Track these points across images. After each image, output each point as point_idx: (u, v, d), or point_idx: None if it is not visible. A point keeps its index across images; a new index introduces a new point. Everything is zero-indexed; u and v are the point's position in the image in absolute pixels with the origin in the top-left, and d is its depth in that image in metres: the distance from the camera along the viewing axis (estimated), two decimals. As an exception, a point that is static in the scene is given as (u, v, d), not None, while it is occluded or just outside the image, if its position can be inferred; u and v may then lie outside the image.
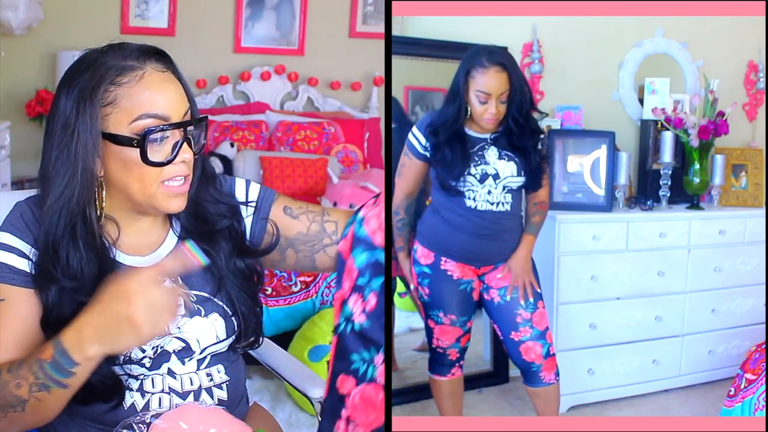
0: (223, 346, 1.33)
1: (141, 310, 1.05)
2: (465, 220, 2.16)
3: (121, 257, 1.26)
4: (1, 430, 1.13)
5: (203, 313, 1.29)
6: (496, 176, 2.15)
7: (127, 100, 1.16)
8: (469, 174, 2.13)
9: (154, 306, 1.07)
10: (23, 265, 1.20)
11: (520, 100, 2.10)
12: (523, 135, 2.14)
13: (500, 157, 2.15)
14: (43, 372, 1.09)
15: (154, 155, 1.17)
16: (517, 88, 2.08)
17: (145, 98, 1.17)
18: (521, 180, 2.17)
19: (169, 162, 1.18)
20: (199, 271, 1.28)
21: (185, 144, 1.20)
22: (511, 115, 2.11)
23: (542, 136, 2.22)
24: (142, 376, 1.25)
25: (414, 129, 2.20)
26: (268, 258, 1.37)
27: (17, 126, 4.05)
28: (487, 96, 2.06)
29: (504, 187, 2.15)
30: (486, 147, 2.16)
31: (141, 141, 1.15)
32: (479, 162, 2.14)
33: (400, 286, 3.21)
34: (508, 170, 2.15)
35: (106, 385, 1.20)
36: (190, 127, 1.22)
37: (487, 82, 2.05)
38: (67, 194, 1.17)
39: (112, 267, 1.23)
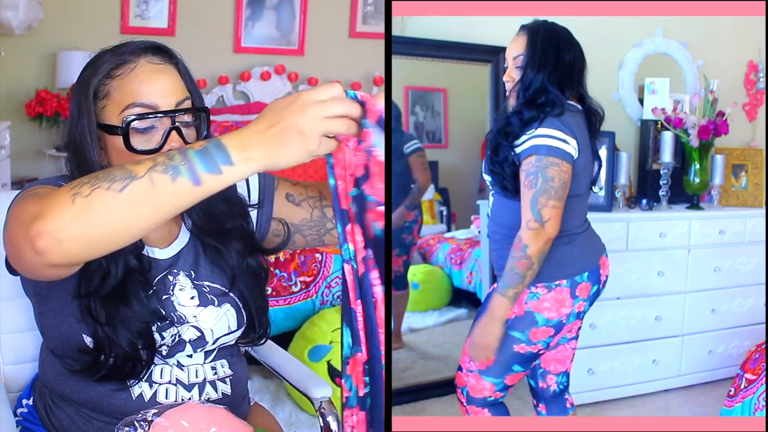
0: (232, 338, 1.35)
1: (313, 121, 0.96)
2: None
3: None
4: (72, 218, 0.94)
5: (216, 303, 1.31)
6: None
7: (118, 91, 1.20)
8: None
9: (327, 120, 0.97)
10: None
11: (537, 66, 1.78)
12: (520, 113, 1.76)
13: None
14: (183, 156, 0.96)
15: (140, 144, 1.19)
16: (536, 50, 1.79)
17: (134, 88, 1.20)
18: (486, 177, 1.88)
19: (156, 150, 1.19)
20: (211, 267, 1.32)
21: (174, 133, 1.21)
22: (521, 83, 1.80)
23: (536, 131, 1.72)
24: (153, 365, 1.27)
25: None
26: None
27: (17, 126, 4.05)
28: (506, 62, 1.89)
29: (490, 188, 1.91)
30: None
31: (124, 128, 1.18)
32: None
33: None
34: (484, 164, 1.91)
35: (137, 353, 1.22)
36: (184, 117, 1.23)
37: (509, 46, 1.89)
38: None
39: (140, 245, 1.26)
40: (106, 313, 1.19)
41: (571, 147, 1.72)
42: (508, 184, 1.76)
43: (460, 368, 1.94)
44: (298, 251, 3.00)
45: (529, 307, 1.78)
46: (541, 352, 1.85)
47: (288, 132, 0.96)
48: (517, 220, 1.76)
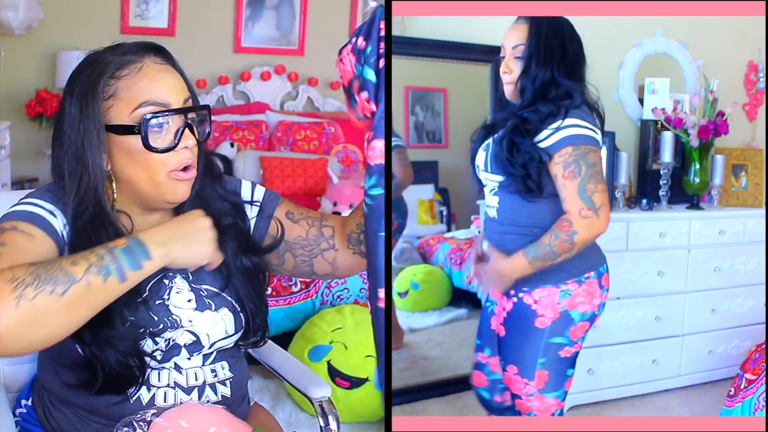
0: (230, 342, 1.34)
1: (210, 228, 1.21)
2: (484, 225, 1.92)
3: None
4: (16, 323, 0.98)
5: (213, 307, 1.31)
6: (479, 168, 1.84)
7: (126, 91, 1.19)
8: (474, 165, 1.87)
9: (211, 230, 1.22)
10: (54, 221, 1.20)
11: (544, 58, 1.71)
12: (535, 109, 1.69)
13: (483, 145, 1.82)
14: (111, 255, 1.06)
15: (156, 142, 1.19)
16: (538, 42, 1.71)
17: (144, 87, 1.19)
18: (494, 177, 1.78)
19: (172, 148, 1.20)
20: (208, 267, 1.30)
21: (187, 130, 1.22)
22: (526, 76, 1.72)
23: (558, 125, 1.66)
24: (149, 370, 1.26)
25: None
26: (268, 262, 1.39)
27: (17, 126, 4.05)
28: (503, 51, 1.78)
29: (491, 187, 1.82)
30: (498, 130, 1.81)
31: (142, 127, 1.18)
32: (479, 150, 1.84)
33: (400, 286, 3.22)
34: (480, 161, 1.82)
35: (129, 370, 1.21)
36: (192, 115, 1.24)
37: (505, 35, 1.77)
38: (83, 188, 1.20)
39: None
40: (90, 333, 1.16)
41: (599, 136, 1.70)
42: (533, 184, 1.69)
43: (517, 396, 1.86)
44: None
45: (563, 306, 1.75)
46: (581, 348, 1.83)
47: (200, 233, 1.19)
48: (535, 219, 1.73)
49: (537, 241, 1.68)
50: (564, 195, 1.66)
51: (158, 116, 1.18)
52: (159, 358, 1.26)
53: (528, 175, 1.68)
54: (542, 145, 1.68)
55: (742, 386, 2.17)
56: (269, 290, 2.96)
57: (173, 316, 1.26)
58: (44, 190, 1.25)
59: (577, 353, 1.83)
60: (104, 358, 1.18)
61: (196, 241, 1.17)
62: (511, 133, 1.70)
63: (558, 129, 1.66)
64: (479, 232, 1.87)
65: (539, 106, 1.69)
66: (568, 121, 1.66)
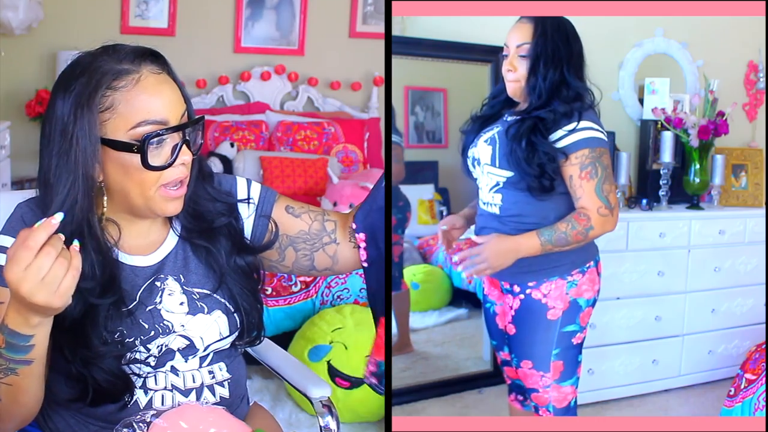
0: (225, 343, 1.33)
1: (31, 290, 0.99)
2: (478, 220, 1.90)
3: (123, 257, 1.26)
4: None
5: (206, 310, 1.29)
6: (479, 162, 1.85)
7: (124, 105, 1.15)
8: (467, 156, 1.89)
9: (45, 281, 0.99)
10: None
11: (552, 58, 1.74)
12: (540, 109, 1.74)
13: (485, 138, 1.84)
14: (2, 358, 1.08)
15: (153, 159, 1.17)
16: (545, 41, 1.74)
17: (143, 103, 1.16)
18: (501, 173, 1.79)
19: (169, 165, 1.18)
20: (200, 269, 1.30)
21: (184, 146, 1.20)
22: (535, 76, 1.75)
23: (574, 125, 1.72)
24: (145, 374, 1.26)
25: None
26: (266, 258, 1.38)
27: (17, 126, 4.05)
28: (507, 50, 1.80)
29: (493, 182, 1.82)
30: (494, 126, 1.85)
31: (141, 147, 1.15)
32: (476, 142, 1.87)
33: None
34: (485, 156, 1.82)
35: (116, 386, 1.21)
36: (188, 129, 1.22)
37: (508, 34, 1.80)
38: (70, 200, 1.16)
39: (116, 267, 1.23)
40: (71, 353, 1.16)
41: (606, 137, 1.77)
42: (547, 182, 1.73)
43: (533, 390, 1.89)
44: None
45: (572, 296, 1.82)
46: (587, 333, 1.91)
47: (26, 302, 1.01)
48: (540, 216, 1.76)
49: (552, 225, 1.73)
50: (579, 194, 1.73)
51: (158, 135, 1.16)
52: (153, 363, 1.25)
53: (543, 173, 1.72)
54: (557, 145, 1.74)
55: (742, 386, 2.17)
56: (269, 290, 2.97)
57: (165, 322, 1.25)
58: (12, 224, 1.22)
59: (584, 339, 1.89)
60: (89, 375, 1.18)
61: (45, 304, 1.00)
62: (530, 133, 1.73)
63: (574, 131, 1.73)
64: (442, 213, 1.95)
65: (555, 107, 1.74)
66: (583, 123, 1.73)
